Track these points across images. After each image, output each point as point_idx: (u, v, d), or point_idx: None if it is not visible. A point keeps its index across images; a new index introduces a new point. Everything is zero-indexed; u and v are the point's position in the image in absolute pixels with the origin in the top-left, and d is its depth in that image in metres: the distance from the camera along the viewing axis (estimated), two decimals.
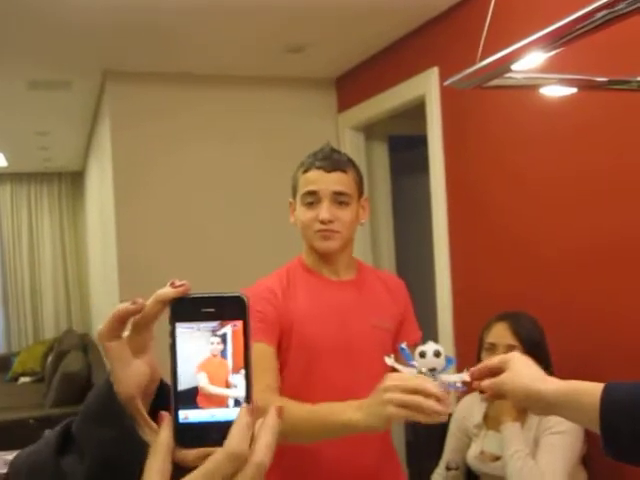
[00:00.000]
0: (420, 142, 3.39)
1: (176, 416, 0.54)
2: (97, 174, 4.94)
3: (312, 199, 1.62)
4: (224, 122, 3.72)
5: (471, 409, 2.28)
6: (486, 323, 2.22)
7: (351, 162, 1.68)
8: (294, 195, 1.70)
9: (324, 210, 1.60)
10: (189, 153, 3.65)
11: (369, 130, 3.90)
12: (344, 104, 3.88)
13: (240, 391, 0.55)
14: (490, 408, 2.22)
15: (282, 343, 1.62)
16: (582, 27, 1.08)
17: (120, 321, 0.56)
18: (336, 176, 1.61)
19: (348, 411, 1.31)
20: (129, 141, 3.56)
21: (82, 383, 4.46)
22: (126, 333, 0.58)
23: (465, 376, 1.29)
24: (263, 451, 0.51)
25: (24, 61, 3.33)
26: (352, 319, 1.65)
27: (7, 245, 6.88)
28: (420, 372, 1.29)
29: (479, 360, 2.22)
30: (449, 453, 2.29)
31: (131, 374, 0.57)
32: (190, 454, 0.53)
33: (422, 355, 1.29)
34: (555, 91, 1.72)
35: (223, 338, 0.55)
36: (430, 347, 1.29)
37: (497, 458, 2.10)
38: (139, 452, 0.53)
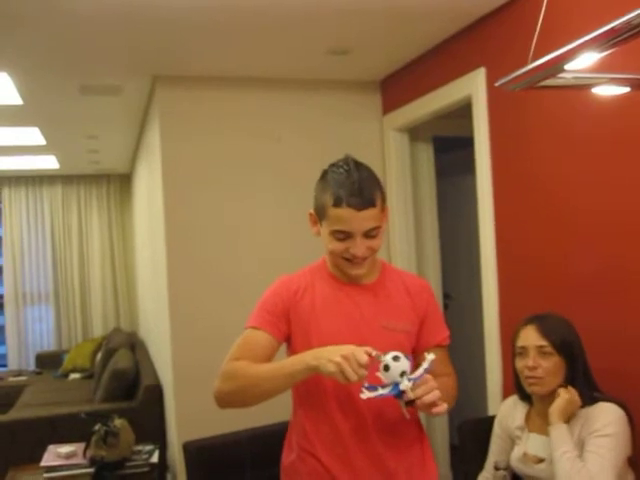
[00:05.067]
0: (463, 143, 3.37)
1: None
2: (145, 176, 5.04)
3: (343, 236, 1.63)
4: (271, 124, 3.76)
5: (513, 411, 2.26)
6: (514, 330, 2.21)
7: (376, 183, 1.65)
8: (319, 214, 1.68)
9: (357, 247, 1.62)
10: (236, 155, 3.70)
11: (414, 131, 3.90)
12: (389, 106, 3.88)
13: None
14: (532, 410, 2.20)
15: (297, 337, 1.72)
16: (637, 26, 1.07)
17: None
18: (367, 214, 1.60)
19: (307, 357, 1.52)
20: (178, 144, 3.63)
21: (130, 379, 4.56)
22: None
23: (429, 356, 1.49)
24: None
25: (77, 67, 3.42)
26: (364, 321, 1.70)
27: (58, 245, 7.05)
28: (396, 382, 1.44)
29: (513, 367, 2.20)
30: (494, 455, 2.28)
31: None
32: None
33: (386, 369, 1.46)
34: (607, 90, 1.70)
35: None
36: (388, 357, 1.46)
37: (540, 460, 2.08)
38: None
